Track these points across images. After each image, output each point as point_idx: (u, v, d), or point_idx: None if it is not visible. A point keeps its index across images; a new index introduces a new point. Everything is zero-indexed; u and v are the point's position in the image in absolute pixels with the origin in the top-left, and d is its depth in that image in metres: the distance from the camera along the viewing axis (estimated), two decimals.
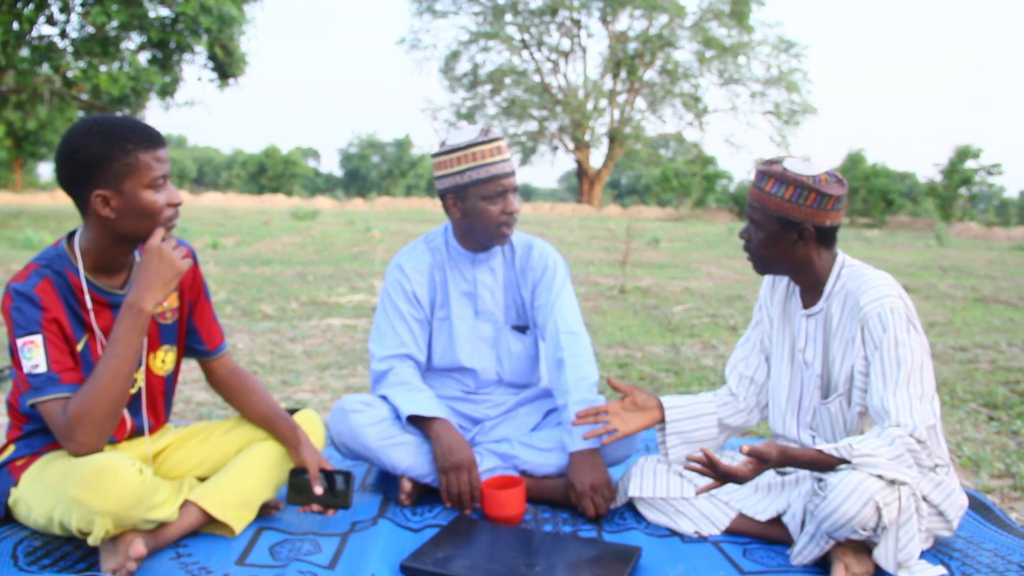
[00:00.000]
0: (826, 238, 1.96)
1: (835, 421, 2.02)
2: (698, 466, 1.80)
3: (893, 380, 1.82)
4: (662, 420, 2.15)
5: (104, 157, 1.74)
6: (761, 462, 1.74)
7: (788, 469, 2.10)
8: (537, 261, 2.48)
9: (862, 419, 1.98)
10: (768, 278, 2.20)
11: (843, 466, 1.75)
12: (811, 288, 2.04)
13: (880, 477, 1.71)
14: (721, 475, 1.77)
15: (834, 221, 1.94)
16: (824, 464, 1.76)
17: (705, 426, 2.16)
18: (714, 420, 2.17)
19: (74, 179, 1.77)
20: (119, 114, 1.90)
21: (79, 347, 1.85)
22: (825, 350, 2.02)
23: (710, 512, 2.11)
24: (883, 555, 1.76)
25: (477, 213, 2.32)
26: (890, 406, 1.80)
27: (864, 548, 1.80)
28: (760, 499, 2.08)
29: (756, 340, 2.22)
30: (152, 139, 1.78)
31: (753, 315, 2.26)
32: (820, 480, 1.77)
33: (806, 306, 2.07)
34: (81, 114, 20.65)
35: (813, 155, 1.94)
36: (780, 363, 2.13)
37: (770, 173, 1.93)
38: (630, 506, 2.26)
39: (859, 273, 1.97)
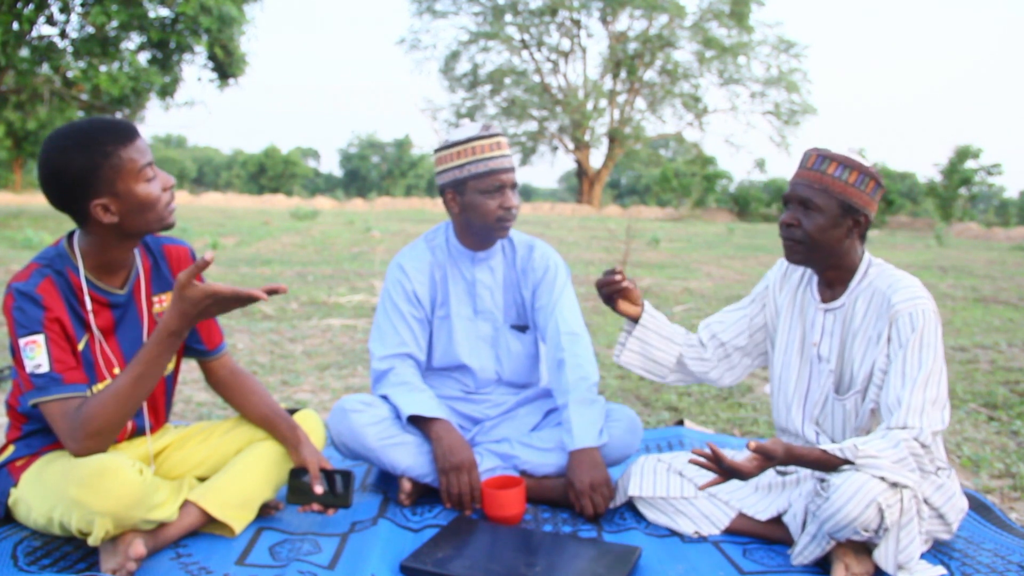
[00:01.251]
0: (865, 232, 1.97)
1: (848, 418, 2.01)
2: (703, 460, 1.79)
3: (911, 380, 1.82)
4: (636, 320, 2.19)
5: (89, 168, 1.72)
6: (766, 459, 1.74)
7: (789, 469, 2.10)
8: (539, 262, 2.48)
9: (873, 417, 1.97)
10: (780, 264, 2.18)
11: (846, 467, 1.75)
12: (835, 282, 2.03)
13: (883, 479, 1.71)
14: (726, 469, 1.76)
15: (874, 214, 1.96)
16: (828, 464, 1.75)
17: (666, 351, 2.22)
18: (676, 352, 2.22)
19: (68, 197, 1.76)
20: (80, 115, 1.88)
21: (80, 346, 1.85)
22: (843, 346, 2.00)
23: (710, 512, 2.10)
24: (883, 556, 1.76)
25: (475, 207, 2.32)
26: (903, 404, 1.80)
27: (864, 548, 1.80)
28: (760, 499, 2.08)
29: (749, 316, 2.21)
30: (125, 133, 1.77)
31: (754, 291, 2.24)
32: (823, 481, 1.77)
33: (824, 300, 2.05)
34: (81, 114, 20.64)
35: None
36: (789, 355, 2.12)
37: (832, 156, 1.92)
38: (630, 506, 2.26)
39: (889, 272, 1.97)
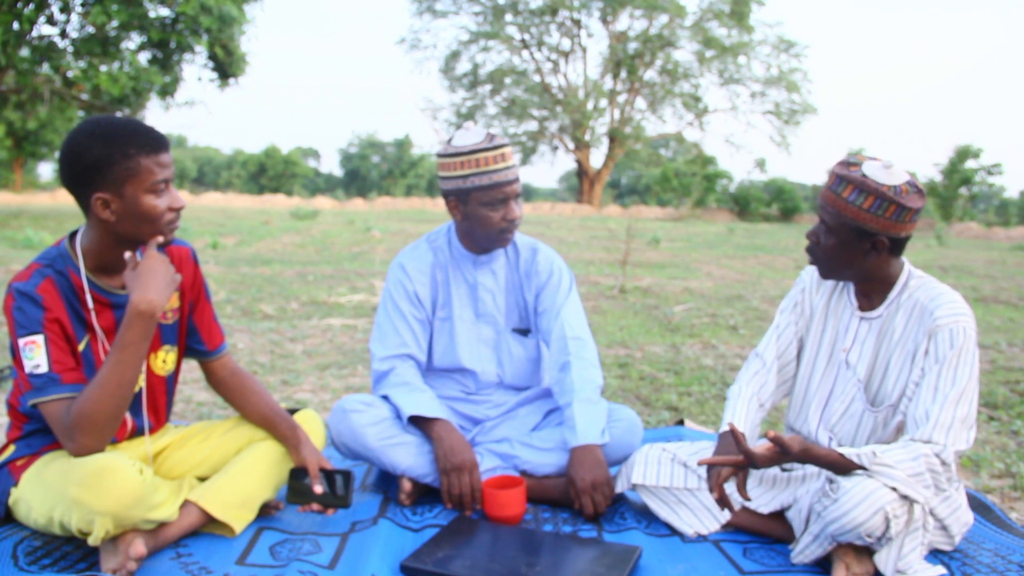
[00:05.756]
0: (897, 248, 1.89)
1: (875, 429, 1.97)
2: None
3: (943, 395, 1.80)
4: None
5: (105, 161, 1.74)
6: (781, 453, 1.73)
7: (794, 466, 2.09)
8: (543, 266, 2.48)
9: (898, 431, 1.94)
10: (810, 265, 2.10)
11: (859, 471, 1.74)
12: (871, 293, 1.98)
13: (894, 490, 1.70)
14: (742, 452, 1.74)
15: (909, 232, 1.87)
16: (841, 468, 1.74)
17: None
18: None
19: (76, 181, 1.77)
20: (119, 115, 1.89)
21: (80, 347, 1.85)
22: (875, 357, 1.97)
23: (712, 504, 2.10)
24: (883, 561, 1.76)
25: (478, 218, 2.32)
26: (931, 419, 1.78)
27: (866, 549, 1.80)
28: (763, 493, 2.08)
29: (794, 323, 2.13)
30: (155, 143, 1.78)
31: (791, 296, 2.15)
32: (832, 482, 1.76)
33: (862, 308, 2.01)
34: (81, 114, 20.64)
35: (892, 160, 1.84)
36: (816, 357, 2.08)
37: (849, 179, 1.83)
38: (630, 506, 2.26)
39: (932, 286, 1.92)
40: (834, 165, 1.90)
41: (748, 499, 1.82)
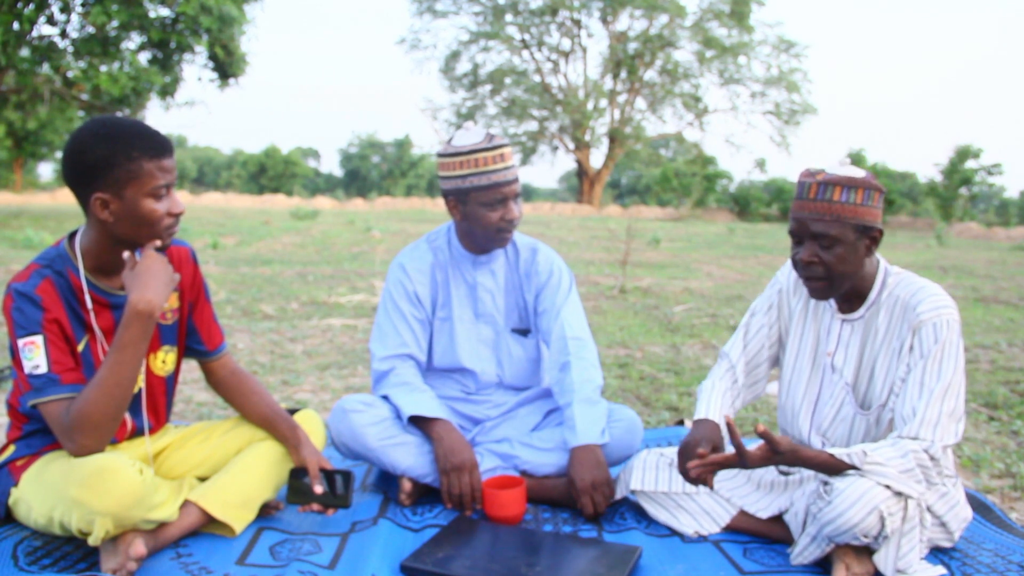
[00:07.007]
0: (879, 242, 1.90)
1: (868, 431, 1.97)
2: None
3: (929, 391, 1.79)
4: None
5: (108, 162, 1.73)
6: (771, 451, 1.73)
7: (792, 469, 2.09)
8: (543, 266, 2.48)
9: (888, 430, 1.94)
10: (789, 266, 2.08)
11: (851, 471, 1.74)
12: (852, 295, 1.96)
13: (887, 487, 1.70)
14: (735, 445, 1.74)
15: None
16: (833, 468, 1.74)
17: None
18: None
19: (77, 180, 1.77)
20: (120, 114, 1.88)
21: (80, 347, 1.85)
22: (860, 359, 1.97)
23: (711, 508, 2.10)
24: (883, 560, 1.76)
25: (477, 218, 2.32)
26: (918, 415, 1.78)
27: (866, 549, 1.80)
28: (762, 497, 2.08)
29: (768, 325, 2.13)
30: (159, 147, 1.77)
31: (767, 295, 2.14)
32: (826, 484, 1.76)
33: (842, 310, 2.00)
34: (81, 114, 20.65)
35: (842, 159, 1.84)
36: (800, 361, 2.08)
37: (835, 181, 1.81)
38: (630, 506, 2.26)
39: (911, 281, 1.92)
40: (802, 179, 1.87)
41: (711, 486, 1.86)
